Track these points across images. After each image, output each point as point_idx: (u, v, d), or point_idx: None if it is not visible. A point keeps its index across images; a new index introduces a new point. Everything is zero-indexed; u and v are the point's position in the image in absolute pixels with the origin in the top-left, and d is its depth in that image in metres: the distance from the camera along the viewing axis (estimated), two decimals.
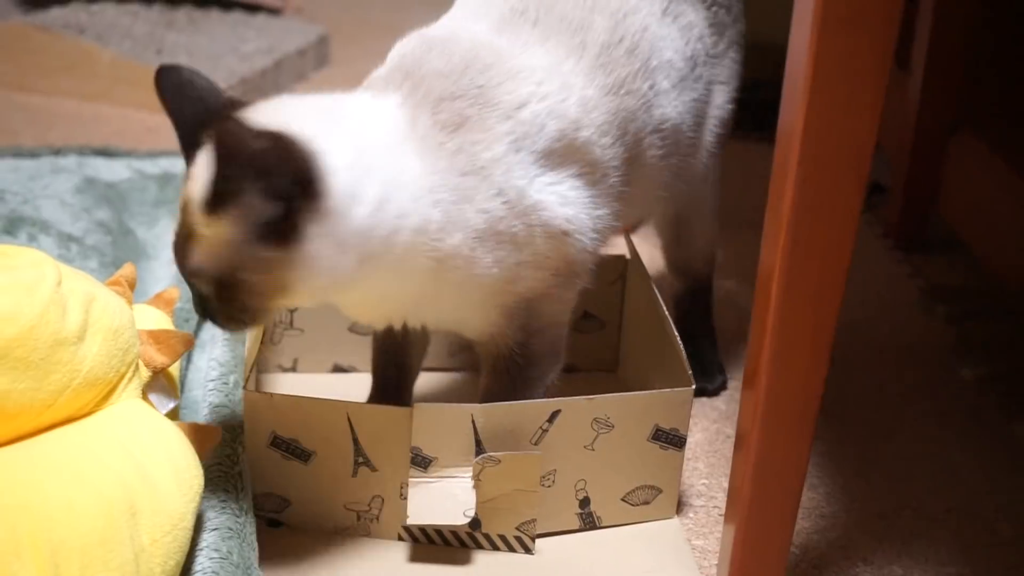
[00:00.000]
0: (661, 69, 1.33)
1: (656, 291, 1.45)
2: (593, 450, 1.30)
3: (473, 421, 1.24)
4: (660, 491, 1.35)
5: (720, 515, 1.36)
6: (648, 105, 1.31)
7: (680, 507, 1.38)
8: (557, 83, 1.24)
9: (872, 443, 1.51)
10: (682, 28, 1.38)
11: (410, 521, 1.26)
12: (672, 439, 1.33)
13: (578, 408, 1.28)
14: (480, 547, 1.29)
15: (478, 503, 1.25)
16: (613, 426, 1.29)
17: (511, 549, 1.30)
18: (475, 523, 1.27)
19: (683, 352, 1.34)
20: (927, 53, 1.82)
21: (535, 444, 1.27)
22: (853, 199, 1.06)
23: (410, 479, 1.25)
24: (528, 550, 1.30)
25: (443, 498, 1.25)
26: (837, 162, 1.05)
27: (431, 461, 1.25)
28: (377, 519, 1.30)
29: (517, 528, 1.29)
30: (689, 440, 1.47)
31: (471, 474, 1.25)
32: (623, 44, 1.29)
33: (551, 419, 1.27)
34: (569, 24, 1.28)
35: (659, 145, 1.34)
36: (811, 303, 1.10)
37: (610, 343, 1.61)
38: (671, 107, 1.35)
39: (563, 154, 1.23)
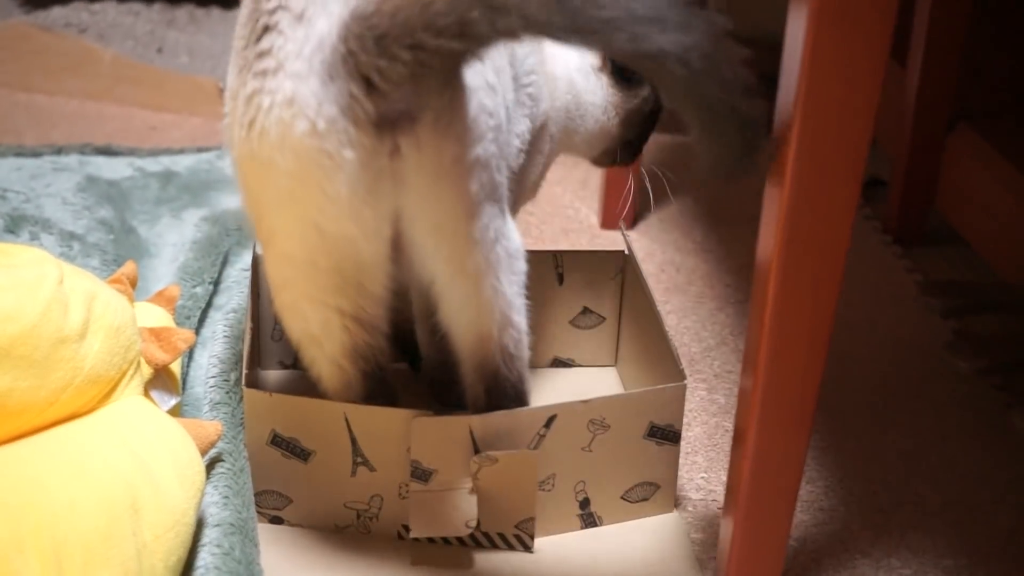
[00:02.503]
0: None
1: (648, 288, 1.46)
2: (591, 451, 1.30)
3: (471, 431, 1.25)
4: (658, 487, 1.36)
5: (719, 508, 1.37)
6: None
7: (679, 501, 1.39)
8: None
9: (870, 437, 1.52)
10: None
11: (413, 534, 1.26)
12: (667, 435, 1.33)
13: (574, 411, 1.28)
14: (479, 545, 1.30)
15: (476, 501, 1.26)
16: (609, 427, 1.30)
17: (510, 547, 1.30)
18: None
19: (675, 348, 1.35)
20: (924, 47, 1.82)
21: (533, 449, 1.27)
22: (849, 194, 1.07)
23: (411, 491, 1.25)
24: (528, 548, 1.30)
25: (444, 510, 1.25)
26: (833, 157, 1.05)
27: (431, 473, 1.25)
28: (377, 518, 1.30)
29: (516, 526, 1.29)
30: (688, 434, 1.48)
31: (471, 483, 1.25)
32: None
33: (548, 424, 1.27)
34: None
35: None
36: (808, 298, 1.10)
37: (610, 338, 1.62)
38: None
39: None
